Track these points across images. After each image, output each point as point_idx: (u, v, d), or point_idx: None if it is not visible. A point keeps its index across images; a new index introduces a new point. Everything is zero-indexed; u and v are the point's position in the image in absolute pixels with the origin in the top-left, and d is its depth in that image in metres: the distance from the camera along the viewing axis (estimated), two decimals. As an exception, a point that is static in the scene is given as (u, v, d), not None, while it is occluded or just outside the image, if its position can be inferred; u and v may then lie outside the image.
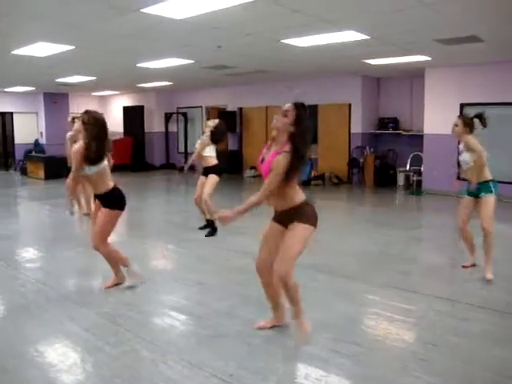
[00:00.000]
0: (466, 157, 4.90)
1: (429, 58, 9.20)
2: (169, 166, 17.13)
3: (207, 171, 6.80)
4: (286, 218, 3.32)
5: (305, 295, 3.41)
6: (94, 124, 4.27)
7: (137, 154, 16.73)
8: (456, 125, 5.07)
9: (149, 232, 7.46)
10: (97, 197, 4.57)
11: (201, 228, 7.04)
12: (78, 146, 4.27)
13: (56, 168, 13.97)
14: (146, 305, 4.29)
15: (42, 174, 14.12)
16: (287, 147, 3.13)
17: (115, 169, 18.38)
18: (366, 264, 5.52)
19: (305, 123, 3.19)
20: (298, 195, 3.31)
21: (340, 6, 5.43)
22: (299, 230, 3.22)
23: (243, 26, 6.31)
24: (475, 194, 4.88)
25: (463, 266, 5.19)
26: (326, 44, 7.52)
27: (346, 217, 9.08)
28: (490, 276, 4.72)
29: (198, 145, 6.95)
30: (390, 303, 4.27)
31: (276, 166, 3.10)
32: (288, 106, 3.20)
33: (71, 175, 4.43)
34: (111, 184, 4.48)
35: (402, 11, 5.61)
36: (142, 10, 5.43)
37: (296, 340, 3.42)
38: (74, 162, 4.31)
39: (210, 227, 6.79)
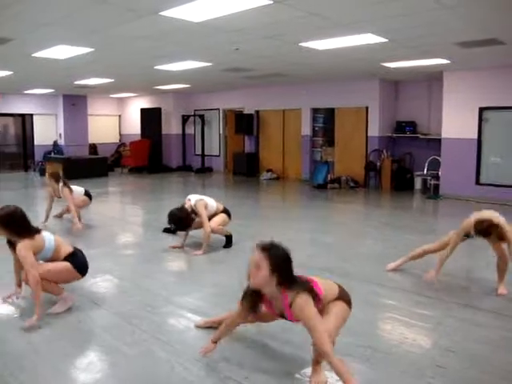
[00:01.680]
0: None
1: (448, 61, 9.12)
2: (185, 168, 17.22)
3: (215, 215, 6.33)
4: None
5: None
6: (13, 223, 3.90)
7: (154, 155, 16.83)
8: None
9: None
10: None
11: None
12: (25, 244, 3.84)
13: (74, 169, 14.19)
14: (162, 306, 4.31)
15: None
16: (290, 294, 2.73)
17: (133, 171, 18.56)
18: (383, 268, 5.47)
19: (282, 262, 2.73)
20: None
21: (358, 8, 5.40)
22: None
23: (261, 29, 6.32)
24: None
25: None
26: (343, 47, 7.50)
27: (363, 220, 9.02)
28: (502, 291, 4.55)
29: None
30: (406, 308, 4.24)
31: (306, 317, 2.69)
32: (256, 254, 2.73)
33: (34, 273, 3.78)
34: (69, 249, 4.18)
35: (421, 14, 5.57)
36: (160, 13, 5.47)
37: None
38: (28, 261, 3.80)
39: (227, 240, 6.40)
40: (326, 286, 2.96)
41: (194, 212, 6.07)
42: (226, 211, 6.44)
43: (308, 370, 3.03)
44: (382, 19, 5.86)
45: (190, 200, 6.15)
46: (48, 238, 4.09)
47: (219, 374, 3.06)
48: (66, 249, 4.19)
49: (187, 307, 4.27)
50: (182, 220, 6.00)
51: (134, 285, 4.89)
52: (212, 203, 6.29)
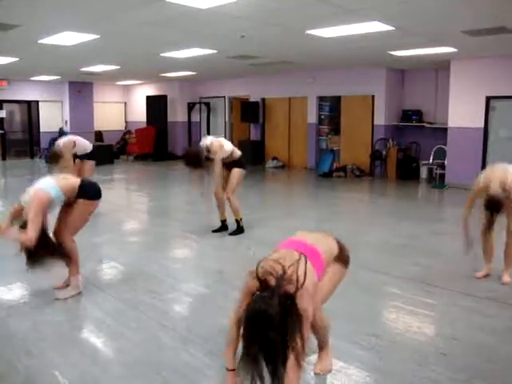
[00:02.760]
0: None
1: (455, 50, 9.03)
2: (190, 155, 17.17)
3: (230, 166, 6.29)
4: None
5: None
6: None
7: (159, 143, 16.80)
8: None
9: (170, 221, 7.52)
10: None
11: (215, 231, 6.50)
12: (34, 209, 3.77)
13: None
14: (167, 292, 4.33)
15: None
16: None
17: (138, 158, 18.50)
18: (388, 256, 5.48)
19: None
20: None
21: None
22: None
23: (268, 16, 6.27)
24: None
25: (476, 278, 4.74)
26: (350, 35, 7.43)
27: (369, 209, 9.02)
28: (507, 279, 4.56)
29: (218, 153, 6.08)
30: (411, 297, 4.24)
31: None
32: None
33: (33, 236, 3.66)
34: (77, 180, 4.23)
35: (428, 2, 5.51)
36: (166, 0, 5.44)
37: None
38: (35, 222, 3.72)
39: (237, 226, 6.40)
40: (326, 247, 2.69)
41: (209, 151, 6.05)
42: (239, 162, 6.34)
43: (313, 358, 3.04)
44: (388, 7, 5.80)
45: (206, 139, 6.19)
46: (49, 184, 4.00)
47: (224, 360, 3.07)
48: (74, 182, 4.15)
49: (192, 294, 4.29)
50: (197, 155, 6.05)
51: (139, 271, 4.92)
52: (228, 146, 6.23)
